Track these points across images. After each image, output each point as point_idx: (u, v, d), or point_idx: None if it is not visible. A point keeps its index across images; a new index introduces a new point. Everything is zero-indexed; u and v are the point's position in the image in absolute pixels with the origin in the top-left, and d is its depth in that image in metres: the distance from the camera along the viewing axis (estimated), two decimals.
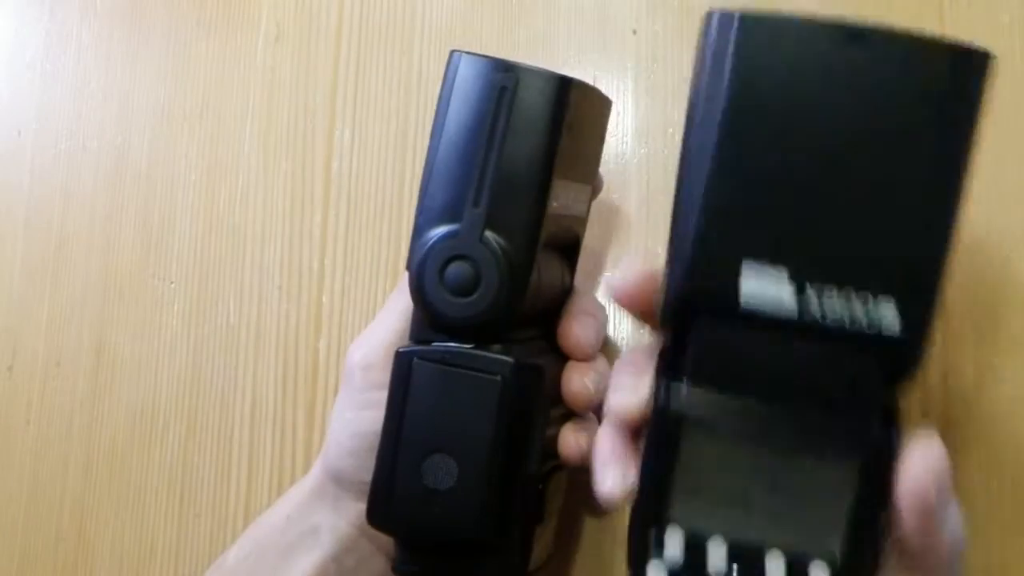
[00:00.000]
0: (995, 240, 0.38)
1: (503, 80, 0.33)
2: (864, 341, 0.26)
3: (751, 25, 0.26)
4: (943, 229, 0.26)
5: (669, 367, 0.29)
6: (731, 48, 0.26)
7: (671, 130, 0.45)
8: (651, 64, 0.46)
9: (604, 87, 0.46)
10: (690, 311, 0.27)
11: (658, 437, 0.28)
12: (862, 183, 0.26)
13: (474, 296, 0.33)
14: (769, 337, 0.27)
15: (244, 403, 0.48)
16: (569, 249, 0.39)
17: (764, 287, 0.26)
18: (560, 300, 0.37)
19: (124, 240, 0.51)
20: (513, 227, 0.34)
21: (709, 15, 0.27)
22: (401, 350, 0.34)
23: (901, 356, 0.26)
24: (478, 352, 0.33)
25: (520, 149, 0.34)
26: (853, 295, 0.26)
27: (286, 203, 0.49)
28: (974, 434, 0.41)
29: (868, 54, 0.26)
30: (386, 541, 0.36)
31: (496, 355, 0.34)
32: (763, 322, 0.26)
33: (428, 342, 0.34)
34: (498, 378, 0.33)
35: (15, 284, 0.52)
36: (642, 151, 0.45)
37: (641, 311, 0.31)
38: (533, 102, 0.34)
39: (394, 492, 0.33)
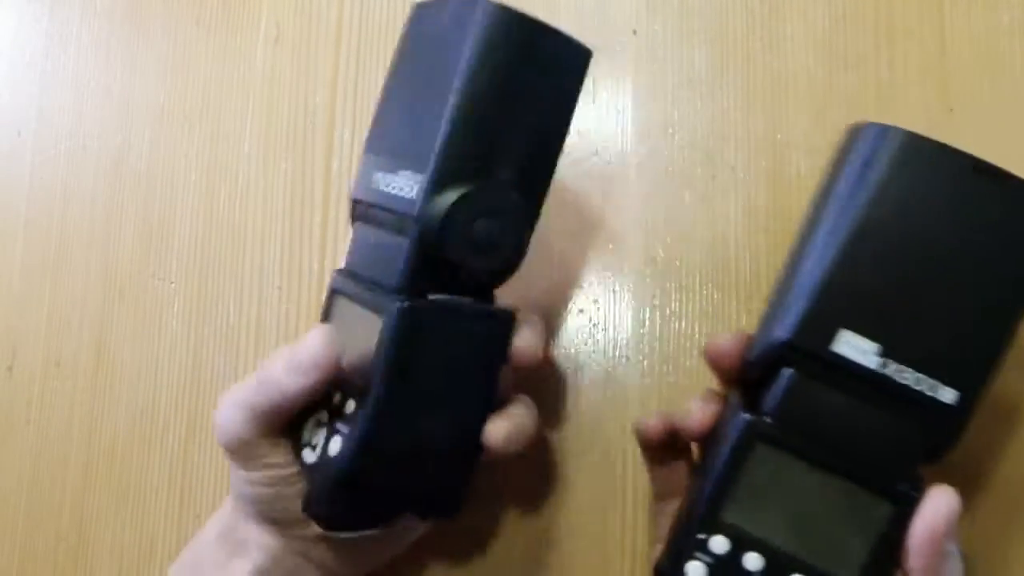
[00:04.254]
0: None
1: (548, 44, 0.34)
2: (922, 401, 0.31)
3: (900, 142, 0.32)
4: (1004, 338, 0.32)
5: (749, 402, 0.33)
6: (881, 159, 0.32)
7: (671, 130, 0.45)
8: (651, 64, 0.46)
9: (604, 87, 0.46)
10: (784, 356, 0.32)
11: (728, 457, 0.32)
12: (952, 291, 0.32)
13: (496, 252, 0.34)
14: (842, 395, 0.32)
15: None
16: None
17: (854, 352, 0.31)
18: None
19: (124, 240, 0.51)
20: (532, 187, 0.35)
21: (861, 127, 0.33)
22: (403, 306, 0.33)
23: (947, 424, 0.32)
24: (482, 304, 0.35)
25: (548, 111, 0.35)
26: (925, 378, 0.31)
27: (286, 203, 0.49)
28: (974, 435, 0.41)
29: (986, 187, 0.32)
30: (314, 553, 0.37)
31: (498, 307, 0.36)
32: (844, 370, 0.31)
33: (420, 295, 0.34)
34: (501, 330, 0.35)
35: (15, 284, 0.52)
36: (642, 151, 0.45)
37: (726, 367, 0.35)
38: (564, 67, 0.35)
39: (385, 454, 0.34)
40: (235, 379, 0.48)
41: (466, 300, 0.35)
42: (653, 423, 0.36)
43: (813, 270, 0.32)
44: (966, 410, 0.32)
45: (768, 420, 0.32)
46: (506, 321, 0.36)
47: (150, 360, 0.49)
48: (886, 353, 0.31)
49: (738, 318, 0.43)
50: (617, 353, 0.44)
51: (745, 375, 0.35)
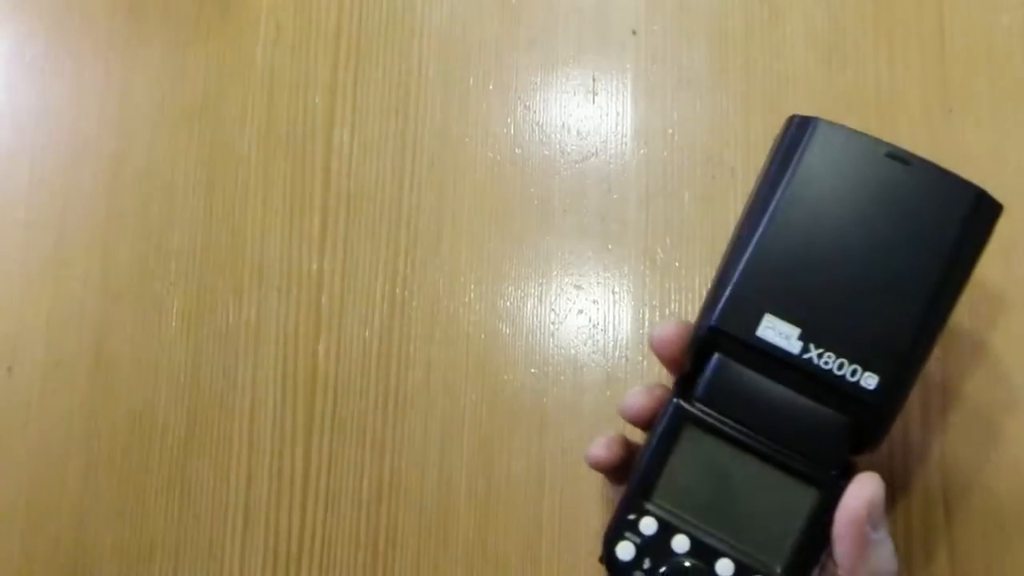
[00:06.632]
0: (995, 240, 0.38)
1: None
2: (845, 388, 0.31)
3: (821, 129, 0.33)
4: (925, 326, 0.32)
5: (682, 389, 0.34)
6: (802, 144, 0.33)
7: (671, 130, 0.45)
8: (651, 64, 0.46)
9: (604, 87, 0.46)
10: (713, 342, 0.33)
11: (658, 441, 0.33)
12: (875, 276, 0.32)
13: None
14: (769, 380, 0.32)
15: (244, 403, 0.48)
16: None
17: (777, 337, 0.32)
18: None
19: (124, 240, 0.51)
20: None
21: (792, 118, 0.34)
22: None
23: (872, 411, 0.32)
24: None
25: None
26: (846, 363, 0.31)
27: (285, 203, 0.49)
28: (973, 439, 0.41)
29: (905, 173, 0.32)
30: None
31: None
32: (768, 355, 0.32)
33: None
34: None
35: (15, 284, 0.52)
36: (642, 151, 0.45)
37: (670, 358, 0.35)
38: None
39: None
40: (235, 379, 0.48)
41: None
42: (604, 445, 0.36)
43: (739, 256, 0.33)
44: (890, 397, 0.31)
45: (698, 404, 0.33)
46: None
47: (150, 360, 0.49)
48: (807, 337, 0.31)
49: None
50: (617, 353, 0.44)
51: (684, 364, 0.35)
